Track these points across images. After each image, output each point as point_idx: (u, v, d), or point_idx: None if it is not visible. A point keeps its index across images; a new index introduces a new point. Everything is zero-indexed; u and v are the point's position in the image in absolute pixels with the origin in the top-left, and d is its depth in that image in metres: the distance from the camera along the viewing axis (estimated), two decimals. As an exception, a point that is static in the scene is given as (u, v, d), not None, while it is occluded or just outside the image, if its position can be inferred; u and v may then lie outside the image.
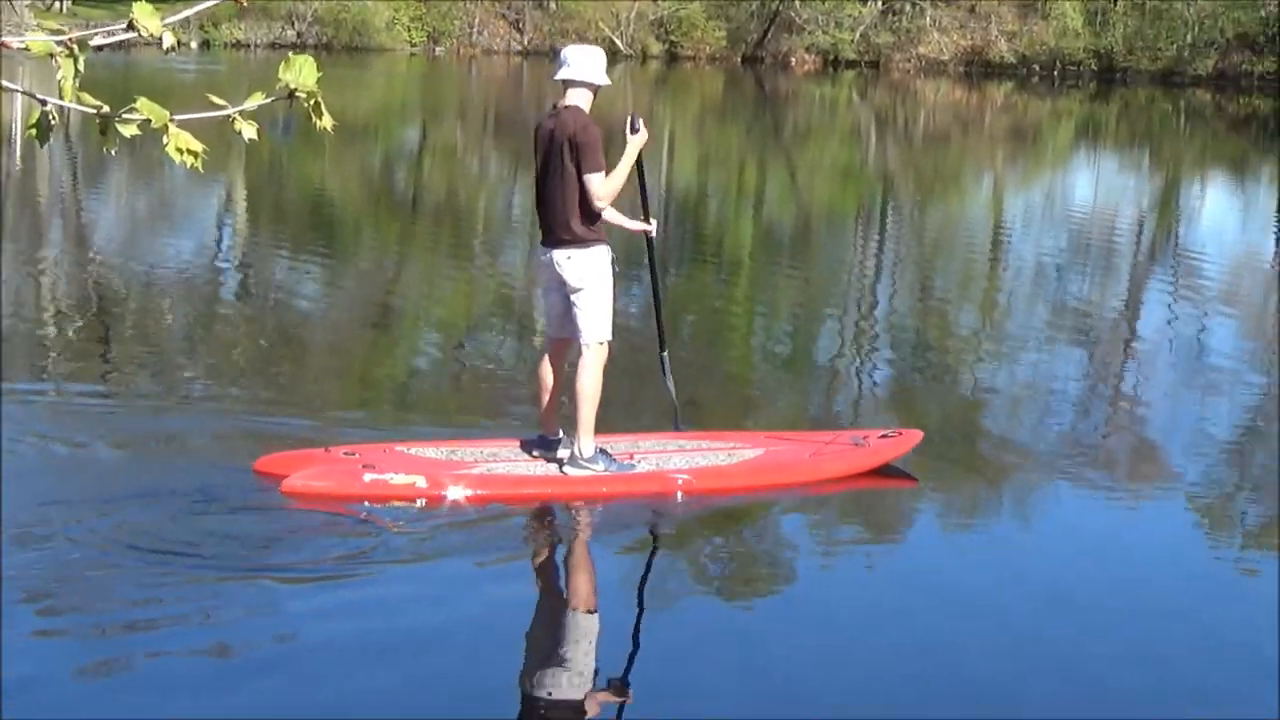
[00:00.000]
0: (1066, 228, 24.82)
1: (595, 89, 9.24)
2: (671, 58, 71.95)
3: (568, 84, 9.22)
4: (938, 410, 11.97)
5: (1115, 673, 7.06)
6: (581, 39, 72.01)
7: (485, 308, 15.72)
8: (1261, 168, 37.75)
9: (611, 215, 9.28)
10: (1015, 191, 31.97)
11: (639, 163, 9.57)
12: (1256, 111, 54.62)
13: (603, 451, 9.29)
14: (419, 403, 11.95)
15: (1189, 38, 66.40)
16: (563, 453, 9.34)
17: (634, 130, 9.40)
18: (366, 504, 8.67)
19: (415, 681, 6.67)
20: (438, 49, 72.71)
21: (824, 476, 9.56)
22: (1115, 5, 68.68)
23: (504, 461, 9.31)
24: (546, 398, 9.52)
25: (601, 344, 9.23)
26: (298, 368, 12.73)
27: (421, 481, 8.83)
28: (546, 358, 9.59)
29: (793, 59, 70.61)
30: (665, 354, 10.16)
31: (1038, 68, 68.66)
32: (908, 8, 70.66)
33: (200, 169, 3.84)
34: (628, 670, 7.06)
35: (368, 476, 8.82)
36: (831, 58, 70.33)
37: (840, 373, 13.46)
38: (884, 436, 9.94)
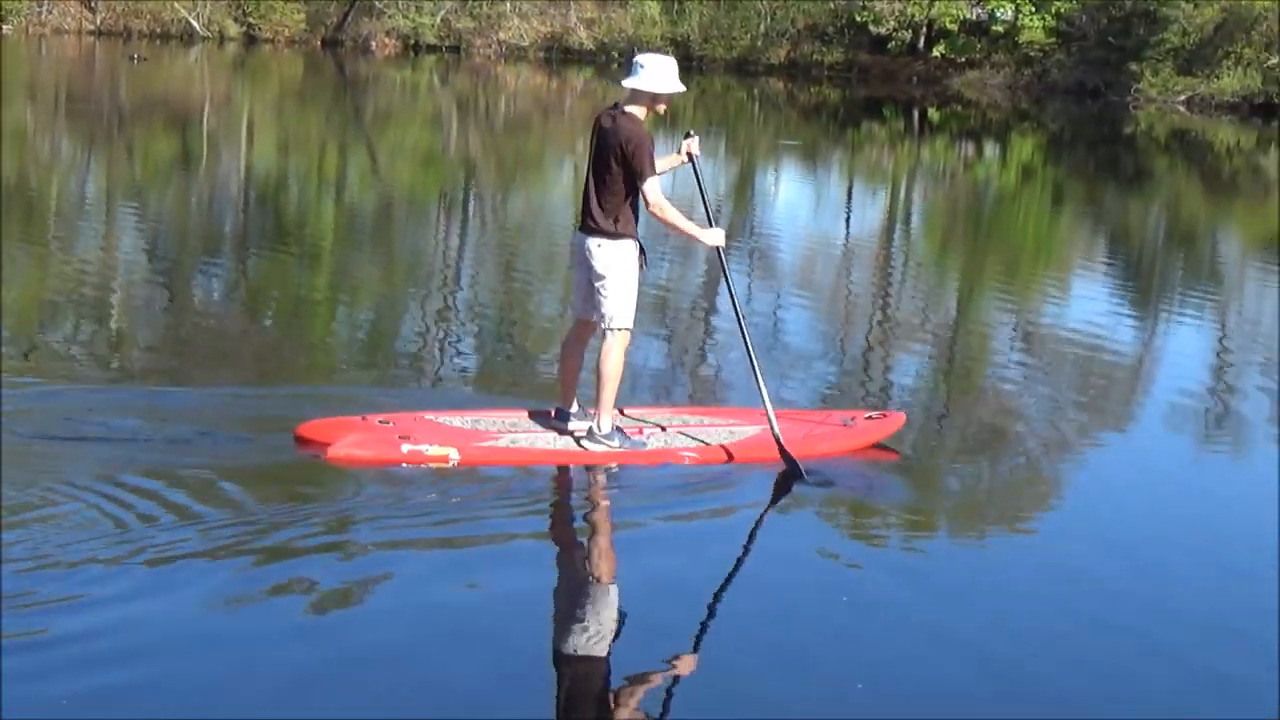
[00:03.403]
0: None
1: (653, 99, 9.88)
2: (250, 40, 70.59)
3: (633, 90, 9.89)
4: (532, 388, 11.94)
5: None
6: (156, 19, 70.28)
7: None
8: (832, 155, 38.93)
9: (685, 225, 10.11)
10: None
11: (695, 172, 10.57)
12: (826, 100, 56.37)
13: (618, 429, 10.10)
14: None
15: (762, 27, 68.12)
16: (575, 425, 10.15)
17: (687, 137, 10.43)
18: (404, 466, 9.52)
19: (444, 642, 7.15)
20: (4, 27, 69.83)
21: (816, 454, 10.19)
22: (691, -6, 70.00)
23: (525, 433, 10.10)
24: (568, 373, 10.36)
25: (622, 330, 9.95)
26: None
27: (455, 454, 9.64)
28: (571, 335, 10.45)
29: (374, 43, 70.02)
30: (759, 378, 10.29)
31: (616, 54, 69.58)
32: (488, -7, 70.82)
33: None
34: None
35: (405, 447, 9.61)
36: (412, 42, 70.03)
37: (422, 342, 13.34)
38: (869, 418, 10.82)
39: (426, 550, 8.26)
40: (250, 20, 71.37)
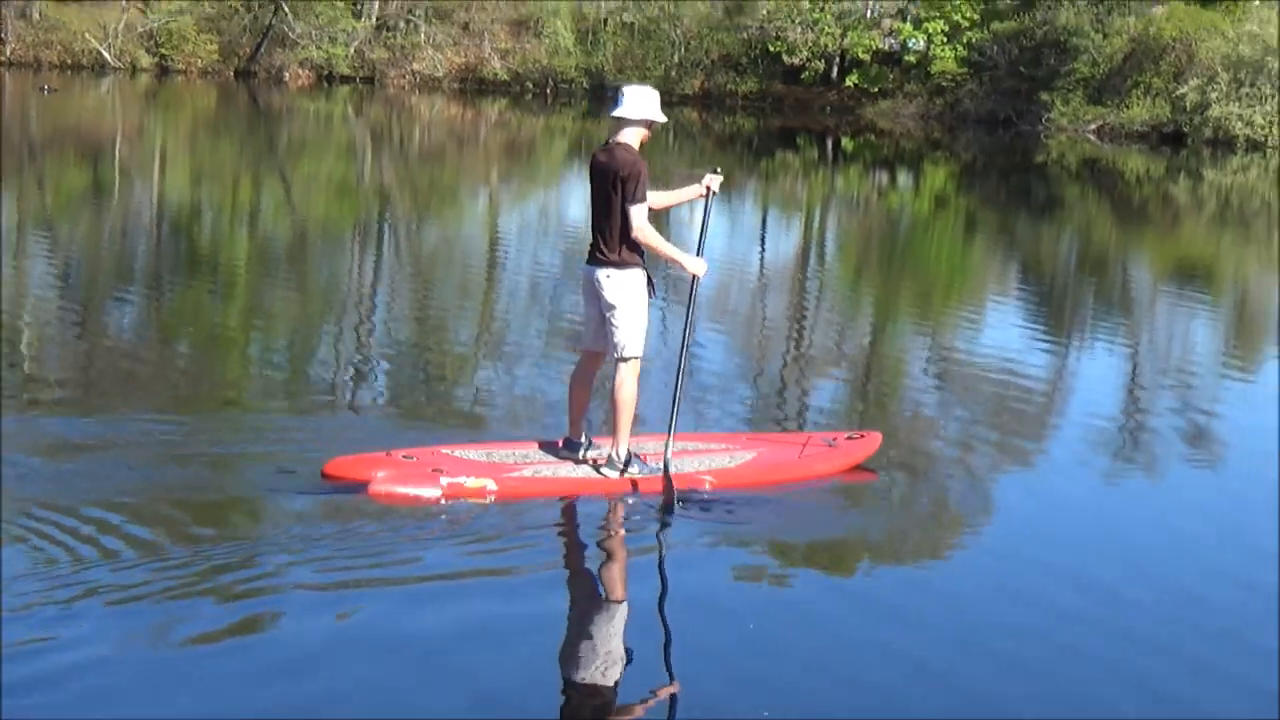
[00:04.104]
0: (561, 242, 25.09)
1: (648, 125, 10.28)
2: (163, 71, 70.23)
3: (621, 121, 10.21)
4: (444, 418, 11.87)
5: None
6: (67, 50, 69.76)
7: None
8: (747, 184, 39.04)
9: (669, 249, 10.31)
10: (510, 207, 32.21)
11: (706, 206, 10.82)
12: (741, 130, 56.60)
13: (636, 456, 10.25)
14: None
15: (676, 58, 68.42)
16: (591, 454, 10.27)
17: (712, 173, 10.77)
18: (443, 500, 9.61)
19: (476, 660, 7.29)
20: (-89, 59, 69.21)
21: (813, 475, 10.69)
22: (605, 25, 70.21)
23: (543, 464, 10.24)
24: (577, 405, 10.44)
25: (634, 359, 10.15)
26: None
27: (491, 484, 9.79)
28: (580, 368, 10.55)
29: (287, 73, 69.81)
30: (676, 405, 10.32)
31: (531, 85, 69.67)
32: (402, 24, 70.75)
33: None
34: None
35: (444, 480, 9.75)
36: (326, 73, 69.87)
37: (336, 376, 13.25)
38: (850, 438, 11.20)
39: (408, 580, 8.30)
40: (163, 51, 71.02)
